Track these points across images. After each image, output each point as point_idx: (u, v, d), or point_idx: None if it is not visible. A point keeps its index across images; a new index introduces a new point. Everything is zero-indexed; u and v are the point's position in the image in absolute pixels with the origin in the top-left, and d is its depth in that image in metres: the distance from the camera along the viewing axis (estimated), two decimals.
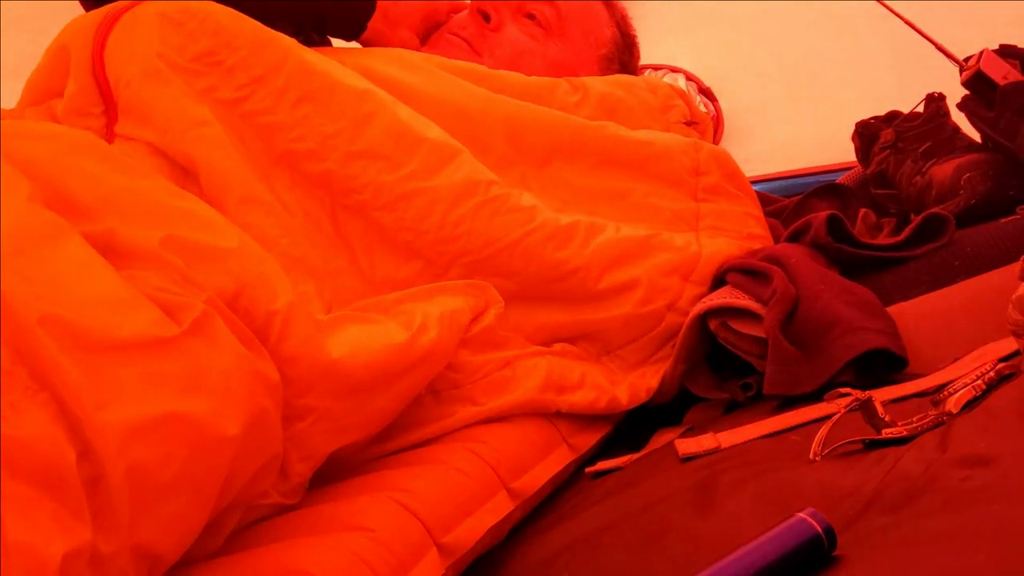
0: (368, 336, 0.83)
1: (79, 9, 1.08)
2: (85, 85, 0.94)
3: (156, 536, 0.62)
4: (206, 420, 0.65)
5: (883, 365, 0.90)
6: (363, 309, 0.90)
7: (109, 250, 0.70)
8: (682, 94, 1.32)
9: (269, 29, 1.01)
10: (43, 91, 1.00)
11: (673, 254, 1.07)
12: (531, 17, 1.30)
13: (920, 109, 1.36)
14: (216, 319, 0.69)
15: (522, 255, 1.00)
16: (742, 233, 1.15)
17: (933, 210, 1.14)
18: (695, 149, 1.17)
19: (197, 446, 0.64)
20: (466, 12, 1.30)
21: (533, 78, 1.18)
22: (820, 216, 1.12)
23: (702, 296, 1.05)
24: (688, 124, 1.27)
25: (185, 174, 0.90)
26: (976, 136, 1.29)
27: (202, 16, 0.97)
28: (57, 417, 0.58)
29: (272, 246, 0.86)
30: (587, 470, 0.94)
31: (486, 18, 1.27)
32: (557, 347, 1.03)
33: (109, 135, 0.93)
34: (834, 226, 1.11)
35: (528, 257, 1.01)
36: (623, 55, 1.40)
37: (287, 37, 1.02)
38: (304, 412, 0.77)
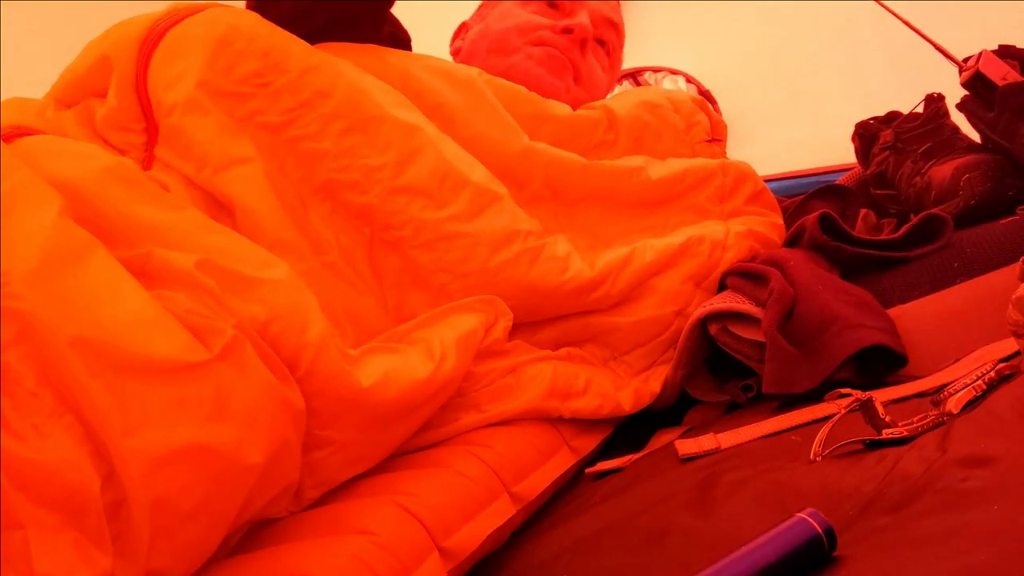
0: (395, 369, 0.81)
1: (80, 10, 1.06)
2: (127, 103, 0.92)
3: (170, 562, 0.62)
4: (231, 449, 0.64)
5: (882, 364, 0.90)
6: (383, 340, 0.90)
7: (142, 273, 0.69)
8: (702, 105, 1.34)
9: (320, 52, 0.98)
10: (80, 90, 0.97)
11: (702, 259, 1.10)
12: (602, 44, 1.36)
13: (919, 110, 1.36)
14: (246, 345, 0.68)
15: (558, 300, 1.01)
16: (762, 234, 1.18)
17: (932, 211, 1.14)
18: (722, 174, 1.20)
19: (220, 475, 0.64)
20: (553, 31, 1.31)
21: (576, 114, 1.20)
22: (811, 217, 1.13)
23: (705, 302, 1.06)
24: (711, 141, 1.29)
25: (221, 208, 0.89)
26: (976, 136, 1.30)
27: (251, 36, 0.93)
28: (82, 441, 0.57)
29: None
30: (588, 471, 0.94)
31: (582, 45, 1.31)
32: (563, 352, 1.03)
33: (148, 155, 0.91)
34: (827, 225, 1.12)
35: (565, 303, 1.02)
36: None
37: (340, 61, 1.00)
38: (324, 442, 0.77)
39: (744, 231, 1.15)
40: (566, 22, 1.31)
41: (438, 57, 1.15)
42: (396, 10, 1.19)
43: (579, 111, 1.21)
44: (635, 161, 1.17)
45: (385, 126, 0.97)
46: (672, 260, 1.08)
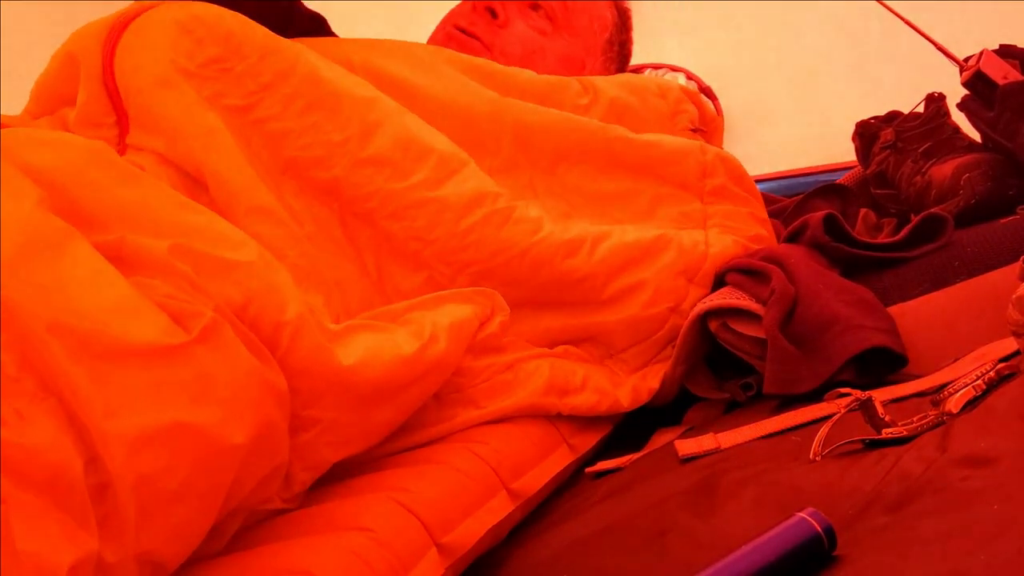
0: (379, 345, 0.82)
1: (81, 10, 1.07)
2: (96, 95, 0.93)
3: (160, 544, 0.62)
4: (213, 429, 0.64)
5: (883, 364, 0.90)
6: (371, 318, 0.90)
7: (118, 259, 0.69)
8: (693, 96, 1.32)
9: (278, 36, 0.99)
10: (52, 99, 0.99)
11: (680, 254, 1.07)
12: (536, 8, 1.30)
13: (920, 109, 1.36)
14: (225, 327, 0.68)
15: (531, 264, 1.00)
16: (747, 234, 1.15)
17: (932, 210, 1.14)
18: (701, 152, 1.18)
19: (204, 455, 0.64)
20: (469, 5, 1.29)
21: (544, 77, 1.18)
22: (816, 216, 1.12)
23: (705, 298, 1.05)
24: (695, 131, 1.27)
25: (195, 184, 0.89)
26: (976, 136, 1.30)
27: (212, 23, 0.95)
28: (64, 425, 0.57)
29: (280, 258, 0.84)
30: (587, 470, 0.94)
31: (493, 15, 1.27)
32: (559, 349, 1.03)
33: (121, 145, 0.92)
34: (831, 225, 1.12)
35: (537, 266, 1.00)
36: (621, 34, 1.41)
37: (297, 44, 1.01)
38: (310, 423, 0.77)
39: (723, 229, 1.13)
40: None
41: (395, 40, 1.15)
42: (401, 10, 1.19)
43: (547, 76, 1.19)
44: (611, 125, 1.16)
45: (345, 101, 0.98)
46: (651, 249, 1.06)
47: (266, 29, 0.99)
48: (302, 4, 1.19)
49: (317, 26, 1.20)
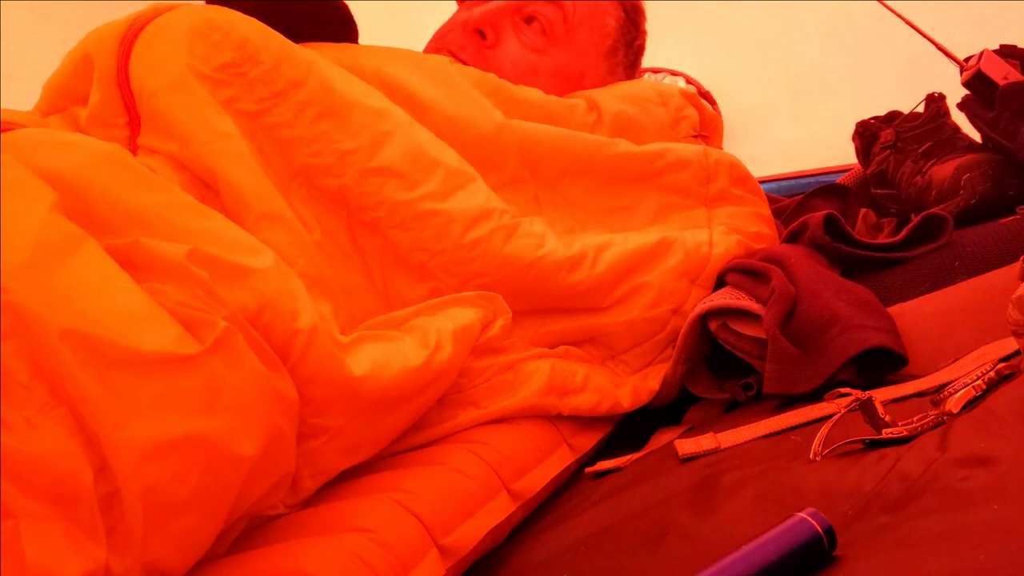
0: (387, 356, 0.82)
1: (82, 12, 1.07)
2: (109, 95, 0.93)
3: (166, 553, 0.62)
4: (223, 440, 0.64)
5: (883, 364, 0.90)
6: (377, 326, 0.90)
7: (130, 264, 0.69)
8: (693, 99, 1.31)
9: (293, 44, 1.00)
10: (64, 97, 0.99)
11: (685, 256, 1.08)
12: (530, 21, 1.27)
13: (920, 109, 1.36)
14: (237, 337, 0.68)
15: (536, 278, 1.01)
16: (750, 232, 1.16)
17: (932, 210, 1.14)
18: (704, 156, 1.18)
19: (212, 466, 0.64)
20: (459, 28, 1.26)
21: (552, 98, 1.18)
22: (816, 216, 1.12)
23: (705, 298, 1.06)
24: (697, 136, 1.27)
25: (207, 189, 0.89)
26: (976, 136, 1.30)
27: (227, 28, 0.96)
28: (74, 433, 0.58)
29: (290, 265, 0.84)
30: (587, 470, 0.94)
31: (482, 35, 1.25)
32: (560, 349, 1.03)
33: (132, 147, 0.92)
34: (831, 225, 1.12)
35: (541, 279, 1.01)
36: (628, 34, 1.37)
37: (311, 52, 1.02)
38: (319, 431, 0.77)
39: (728, 228, 1.14)
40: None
41: (408, 50, 1.16)
42: (403, 11, 1.18)
43: (555, 98, 1.19)
44: (615, 140, 1.16)
45: (356, 111, 0.98)
46: (654, 253, 1.07)
47: (282, 36, 1.00)
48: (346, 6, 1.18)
49: (347, 31, 1.18)
